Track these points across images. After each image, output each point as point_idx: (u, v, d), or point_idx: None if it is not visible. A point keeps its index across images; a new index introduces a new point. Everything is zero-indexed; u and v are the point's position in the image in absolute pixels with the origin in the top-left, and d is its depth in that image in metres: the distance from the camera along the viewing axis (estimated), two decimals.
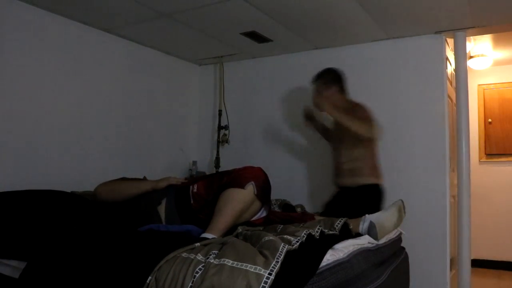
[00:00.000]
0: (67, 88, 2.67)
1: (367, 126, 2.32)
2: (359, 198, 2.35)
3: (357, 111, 2.41)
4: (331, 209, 2.44)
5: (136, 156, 3.14)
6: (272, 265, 1.20)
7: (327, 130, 2.78)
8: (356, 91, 3.07)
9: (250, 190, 1.84)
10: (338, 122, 2.34)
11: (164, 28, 2.85)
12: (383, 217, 1.79)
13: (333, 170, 2.60)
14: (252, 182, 1.85)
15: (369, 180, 2.40)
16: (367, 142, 2.42)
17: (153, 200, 2.07)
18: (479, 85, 4.41)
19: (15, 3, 2.38)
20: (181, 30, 2.87)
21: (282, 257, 1.24)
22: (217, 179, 1.99)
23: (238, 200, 1.81)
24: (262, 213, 2.05)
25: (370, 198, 2.37)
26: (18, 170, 2.38)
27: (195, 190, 2.02)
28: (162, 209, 2.03)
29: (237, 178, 1.88)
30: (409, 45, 2.92)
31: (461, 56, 2.84)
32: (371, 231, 1.75)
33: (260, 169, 1.97)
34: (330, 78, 2.57)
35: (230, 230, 1.74)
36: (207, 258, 1.27)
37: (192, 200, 1.99)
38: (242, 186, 1.83)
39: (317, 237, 1.56)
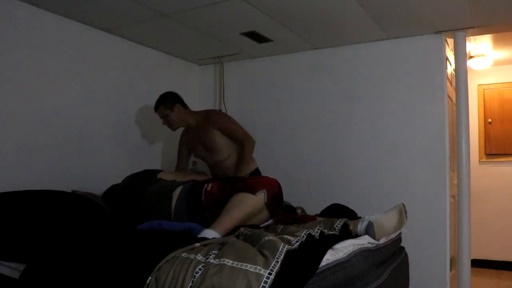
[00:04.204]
0: (67, 88, 2.67)
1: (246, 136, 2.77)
2: None
3: (219, 119, 2.80)
4: None
5: (136, 156, 3.14)
6: (272, 265, 1.20)
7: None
8: (356, 91, 3.09)
9: (260, 197, 1.85)
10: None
11: (164, 28, 2.85)
12: (382, 218, 1.79)
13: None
14: (264, 190, 1.87)
15: None
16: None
17: (169, 186, 2.13)
18: (479, 85, 4.41)
19: (15, 3, 2.38)
20: (181, 30, 2.87)
21: (282, 257, 1.24)
22: (232, 182, 2.00)
23: (247, 205, 1.82)
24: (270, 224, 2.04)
25: None
26: (18, 170, 2.38)
27: (208, 188, 2.03)
28: (175, 196, 2.06)
29: (250, 184, 1.90)
30: (409, 45, 2.92)
31: (461, 56, 2.84)
32: (369, 229, 1.76)
33: (275, 181, 1.98)
34: (170, 100, 2.73)
35: (231, 231, 1.74)
36: (207, 258, 1.27)
37: (203, 197, 2.00)
38: (253, 192, 1.85)
39: (317, 237, 1.56)
